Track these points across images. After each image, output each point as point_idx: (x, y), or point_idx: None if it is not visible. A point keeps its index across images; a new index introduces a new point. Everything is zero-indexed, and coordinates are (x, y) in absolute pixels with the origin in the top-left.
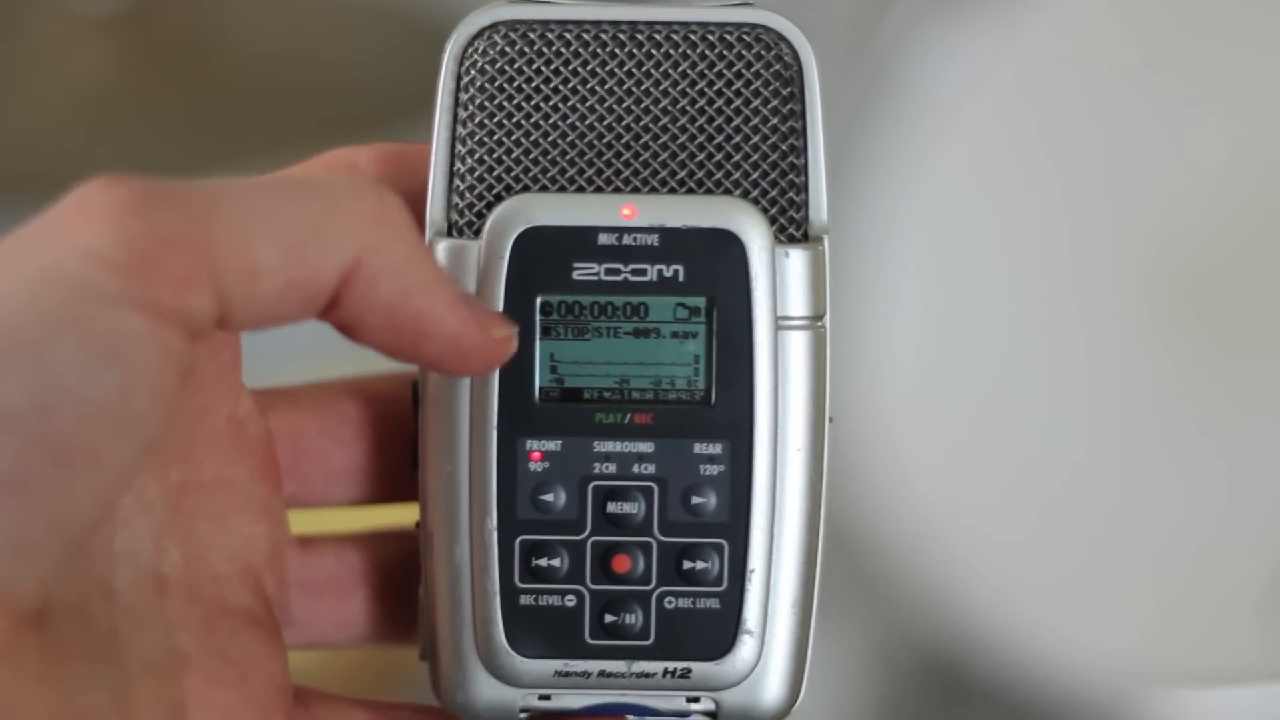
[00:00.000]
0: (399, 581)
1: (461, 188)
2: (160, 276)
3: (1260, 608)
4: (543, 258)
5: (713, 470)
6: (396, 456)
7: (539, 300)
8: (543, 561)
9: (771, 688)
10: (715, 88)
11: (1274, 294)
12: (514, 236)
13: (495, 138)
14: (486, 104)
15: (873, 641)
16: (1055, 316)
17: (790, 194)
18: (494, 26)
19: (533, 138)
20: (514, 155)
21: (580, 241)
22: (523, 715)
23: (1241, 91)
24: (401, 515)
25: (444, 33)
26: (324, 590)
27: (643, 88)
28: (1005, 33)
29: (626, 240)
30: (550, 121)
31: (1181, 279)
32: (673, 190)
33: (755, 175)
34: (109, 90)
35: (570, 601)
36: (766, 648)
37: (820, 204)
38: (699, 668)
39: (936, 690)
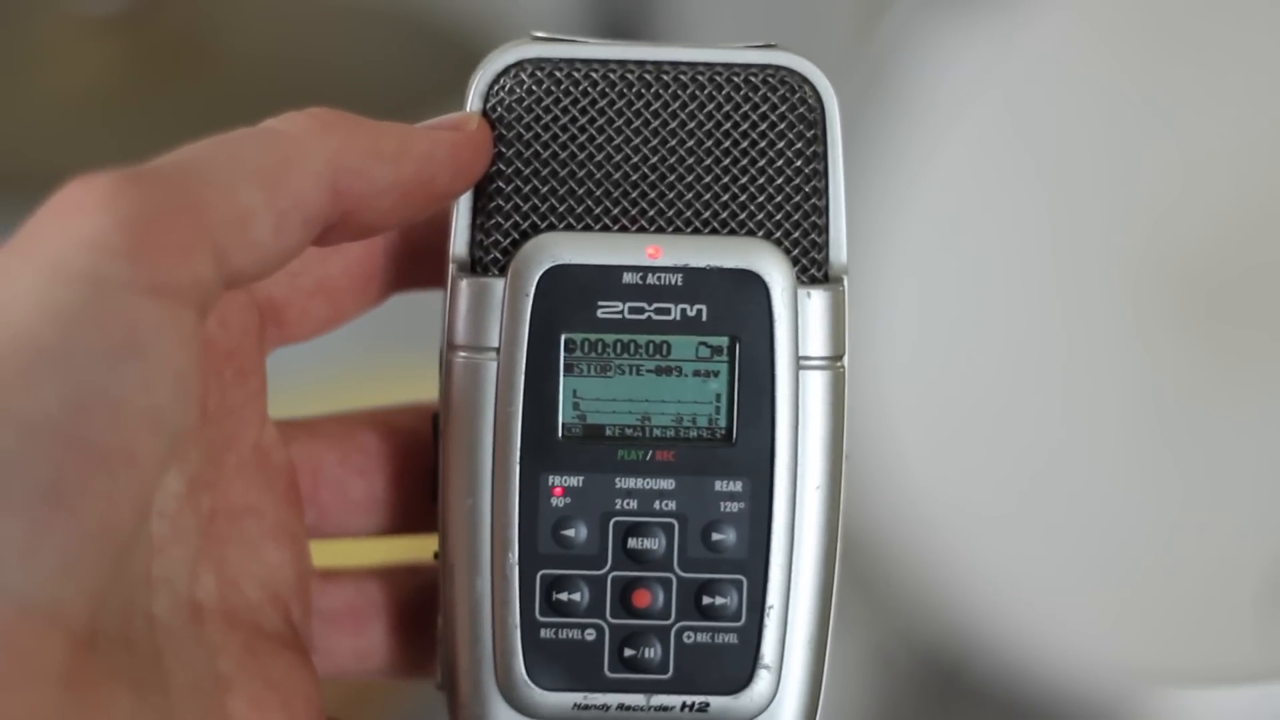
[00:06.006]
0: (417, 614)
1: (487, 225)
2: (162, 251)
3: (1258, 607)
4: (567, 296)
5: (733, 507)
6: (413, 488)
7: (563, 338)
8: (563, 595)
9: None
10: (740, 129)
11: (1272, 294)
12: (539, 274)
13: (522, 175)
14: (514, 141)
15: (872, 641)
16: (1054, 318)
17: (812, 235)
18: (520, 64)
19: (559, 176)
20: (540, 193)
21: (605, 280)
22: None
23: (1238, 95)
24: (416, 547)
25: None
26: (344, 620)
27: (668, 128)
28: (1002, 38)
29: (651, 280)
30: (576, 160)
31: (1182, 281)
32: (696, 230)
33: (778, 216)
34: (109, 90)
35: (590, 635)
36: (783, 682)
37: (840, 245)
38: (716, 701)
39: (936, 690)
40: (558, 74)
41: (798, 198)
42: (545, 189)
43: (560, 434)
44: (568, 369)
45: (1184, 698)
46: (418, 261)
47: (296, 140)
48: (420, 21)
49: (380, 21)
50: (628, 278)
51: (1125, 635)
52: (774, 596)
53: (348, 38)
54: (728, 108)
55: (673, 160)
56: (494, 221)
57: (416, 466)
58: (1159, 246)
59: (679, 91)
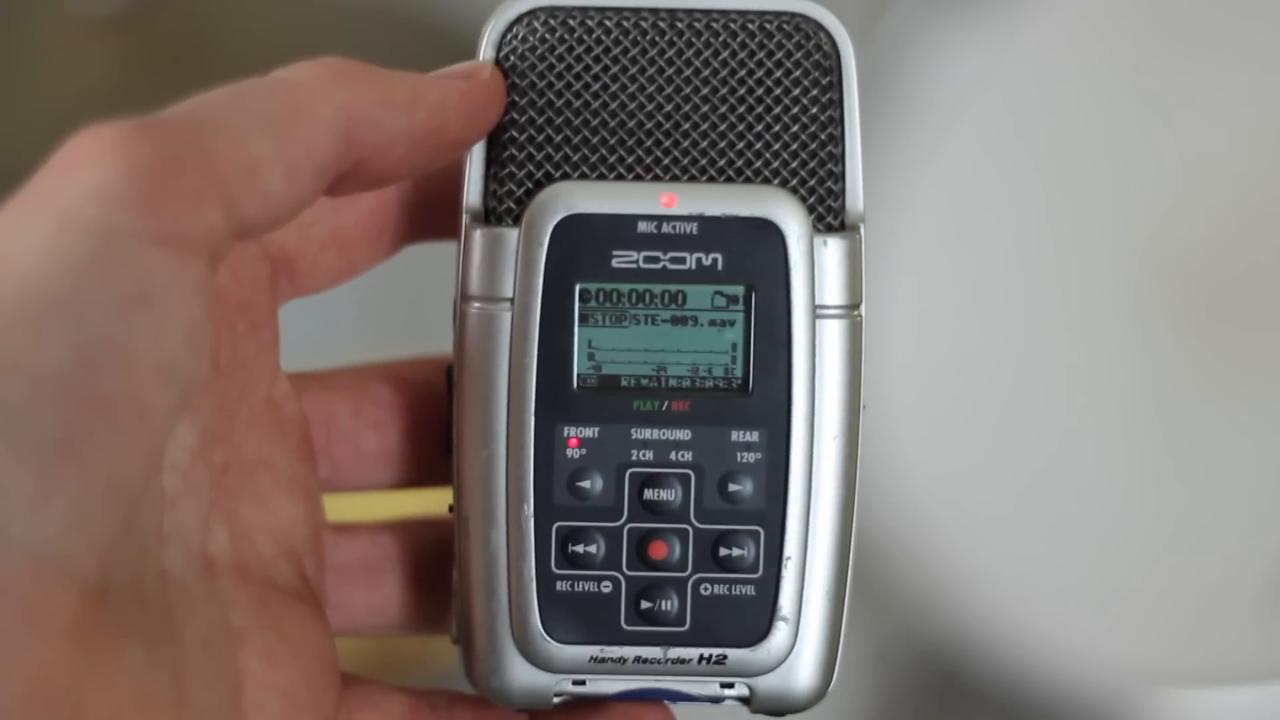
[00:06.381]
0: (432, 568)
1: (500, 174)
2: (172, 201)
3: (1258, 607)
4: (582, 245)
5: (750, 458)
6: (428, 441)
7: (578, 287)
8: (579, 548)
9: (805, 674)
10: (755, 77)
11: (1273, 294)
12: (553, 224)
13: (535, 124)
14: (527, 90)
15: (872, 641)
16: (1054, 316)
17: (829, 183)
18: (533, 13)
19: (573, 125)
20: (554, 143)
21: (620, 229)
22: (557, 700)
23: (1238, 95)
24: (431, 500)
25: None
26: (358, 574)
27: (682, 76)
28: (1003, 35)
29: (666, 228)
30: (590, 109)
31: (1183, 281)
32: (712, 179)
33: (794, 164)
34: (109, 90)
35: (606, 588)
36: (800, 634)
37: (857, 193)
38: (734, 654)
39: (936, 690)
40: (570, 22)
41: (813, 145)
42: (559, 138)
43: (575, 385)
44: (583, 319)
45: (1184, 698)
46: (431, 212)
47: (307, 88)
48: (420, 21)
49: (380, 21)
50: (643, 227)
51: (1125, 635)
52: (791, 548)
53: (348, 38)
54: (742, 55)
55: (687, 108)
56: (508, 171)
57: (431, 419)
58: (1160, 246)
59: (693, 39)
